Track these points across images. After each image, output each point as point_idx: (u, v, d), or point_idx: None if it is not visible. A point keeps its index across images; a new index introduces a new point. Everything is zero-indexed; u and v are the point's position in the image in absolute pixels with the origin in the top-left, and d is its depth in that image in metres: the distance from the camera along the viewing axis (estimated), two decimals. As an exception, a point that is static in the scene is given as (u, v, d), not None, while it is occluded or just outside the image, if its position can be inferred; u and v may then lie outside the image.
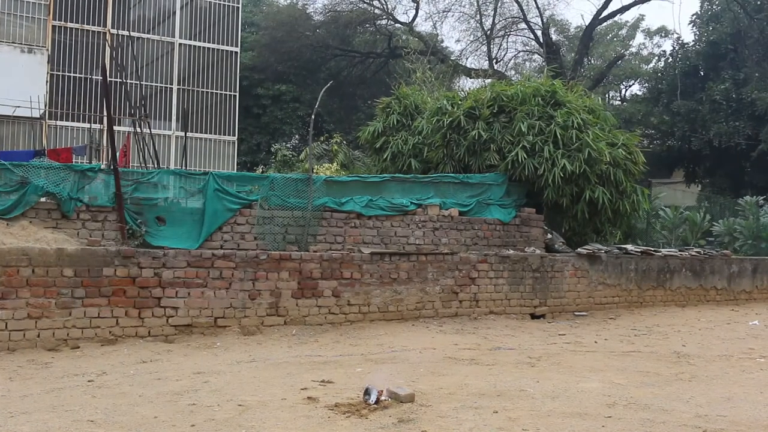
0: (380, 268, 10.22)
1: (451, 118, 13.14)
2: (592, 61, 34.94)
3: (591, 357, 8.27)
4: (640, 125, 27.37)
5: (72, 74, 18.61)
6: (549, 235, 12.80)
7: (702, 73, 29.23)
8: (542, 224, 12.71)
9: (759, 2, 27.76)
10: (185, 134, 15.17)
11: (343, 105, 30.67)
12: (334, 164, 17.95)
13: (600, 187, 12.58)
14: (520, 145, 12.44)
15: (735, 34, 27.82)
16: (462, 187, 12.15)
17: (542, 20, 30.41)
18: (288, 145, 23.24)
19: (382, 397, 5.73)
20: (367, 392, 5.72)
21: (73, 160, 13.39)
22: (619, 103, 36.71)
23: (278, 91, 28.29)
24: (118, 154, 10.75)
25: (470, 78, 28.86)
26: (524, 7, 30.21)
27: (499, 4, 31.19)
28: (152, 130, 13.53)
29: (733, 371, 7.60)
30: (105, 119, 14.31)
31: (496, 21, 31.49)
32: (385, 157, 14.27)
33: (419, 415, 5.44)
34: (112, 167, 9.72)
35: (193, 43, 20.58)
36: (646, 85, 35.13)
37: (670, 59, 31.43)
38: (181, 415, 5.40)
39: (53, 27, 18.23)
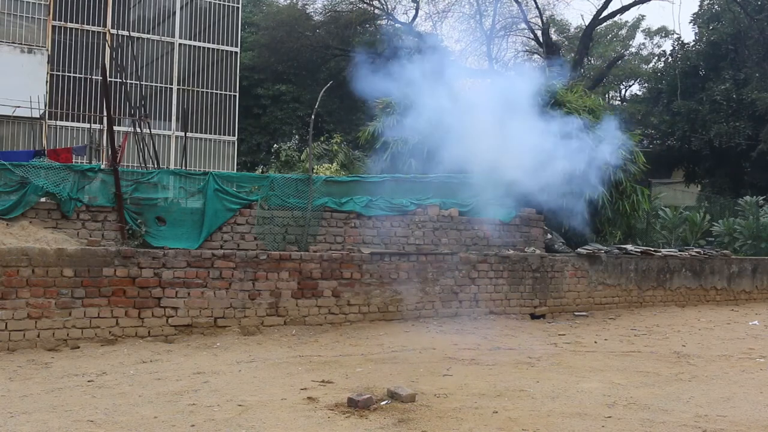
0: (380, 268, 10.22)
1: (451, 118, 13.12)
2: (592, 61, 34.92)
3: (591, 357, 8.27)
4: (640, 125, 27.36)
5: (72, 74, 18.59)
6: (549, 235, 12.80)
7: (702, 73, 29.21)
8: (542, 224, 12.71)
9: (759, 2, 27.74)
10: (185, 134, 15.14)
11: (343, 105, 30.62)
12: (334, 164, 17.94)
13: (600, 188, 12.57)
14: (520, 145, 12.43)
15: (735, 34, 27.81)
16: (462, 187, 12.14)
17: (542, 20, 30.38)
18: (288, 145, 23.18)
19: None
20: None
21: (73, 160, 13.38)
22: (619, 103, 36.69)
23: (278, 91, 28.26)
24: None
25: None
26: (524, 8, 30.18)
27: (499, 5, 31.17)
28: (152, 130, 13.52)
29: (733, 371, 7.60)
30: (105, 119, 14.29)
31: (496, 21, 31.48)
32: (385, 157, 14.26)
33: (419, 415, 5.45)
34: (112, 167, 9.73)
35: (193, 43, 20.57)
36: (646, 85, 35.13)
37: (670, 59, 31.42)
38: (181, 415, 5.40)
39: (53, 27, 18.21)
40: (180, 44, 20.33)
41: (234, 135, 20.99)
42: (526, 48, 33.95)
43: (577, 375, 7.17)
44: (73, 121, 18.42)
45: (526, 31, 31.45)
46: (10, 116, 17.10)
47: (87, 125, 17.06)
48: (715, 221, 18.59)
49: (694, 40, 30.68)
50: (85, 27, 18.81)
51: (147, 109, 15.70)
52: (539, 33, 30.37)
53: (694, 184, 29.69)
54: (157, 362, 7.46)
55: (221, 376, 6.82)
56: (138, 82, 16.75)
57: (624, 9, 30.73)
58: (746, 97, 26.04)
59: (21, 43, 17.70)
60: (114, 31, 18.78)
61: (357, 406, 5.57)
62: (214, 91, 20.66)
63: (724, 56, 28.16)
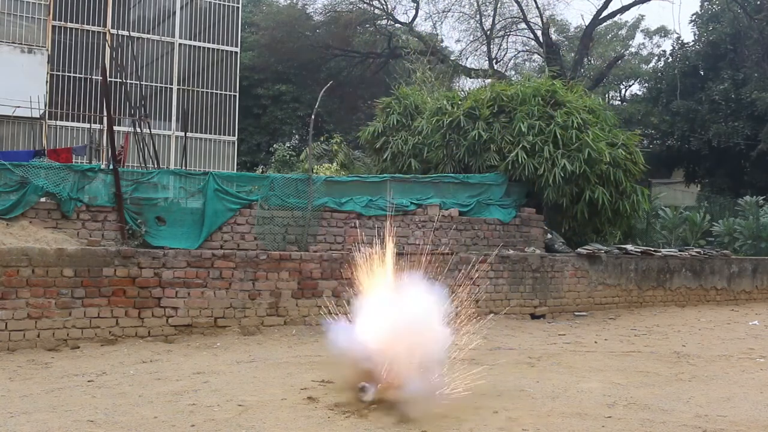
0: (380, 268, 10.19)
1: (450, 118, 13.14)
2: (592, 61, 34.90)
3: (591, 357, 8.27)
4: (639, 125, 27.34)
5: (72, 74, 18.58)
6: (549, 235, 12.80)
7: (701, 73, 29.20)
8: (542, 224, 12.71)
9: (759, 2, 27.74)
10: (185, 134, 15.15)
11: (343, 105, 30.62)
12: (334, 164, 17.94)
13: (600, 188, 12.58)
14: (520, 146, 12.44)
15: (735, 34, 27.80)
16: (462, 187, 12.15)
17: (542, 20, 30.34)
18: (288, 145, 23.17)
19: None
20: (362, 389, 5.66)
21: (73, 160, 13.38)
22: (619, 103, 36.68)
23: (278, 91, 28.25)
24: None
25: (470, 78, 28.82)
26: (524, 7, 30.15)
27: (499, 4, 31.13)
28: (152, 130, 13.51)
29: (733, 371, 7.60)
30: (105, 119, 14.29)
31: (496, 21, 31.46)
32: (385, 157, 14.25)
33: (419, 415, 5.44)
34: (112, 167, 9.73)
35: (193, 43, 20.55)
36: (646, 85, 35.08)
37: (670, 59, 31.40)
38: (181, 415, 5.40)
39: (53, 27, 18.19)
40: (180, 44, 20.32)
41: (234, 135, 20.98)
42: (526, 48, 33.97)
43: (577, 375, 7.16)
44: (73, 121, 18.41)
45: (526, 31, 31.45)
46: (10, 116, 17.08)
47: (87, 125, 17.05)
48: (715, 221, 18.56)
49: (693, 40, 30.69)
50: (85, 27, 18.80)
51: (147, 109, 15.70)
52: (539, 33, 30.36)
53: (694, 184, 29.68)
54: (157, 362, 7.46)
55: (221, 376, 6.82)
56: (138, 82, 16.74)
57: (624, 9, 30.72)
58: (745, 97, 26.03)
59: (21, 43, 17.68)
60: (114, 31, 18.77)
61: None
62: (214, 91, 20.65)
63: (723, 56, 28.15)
